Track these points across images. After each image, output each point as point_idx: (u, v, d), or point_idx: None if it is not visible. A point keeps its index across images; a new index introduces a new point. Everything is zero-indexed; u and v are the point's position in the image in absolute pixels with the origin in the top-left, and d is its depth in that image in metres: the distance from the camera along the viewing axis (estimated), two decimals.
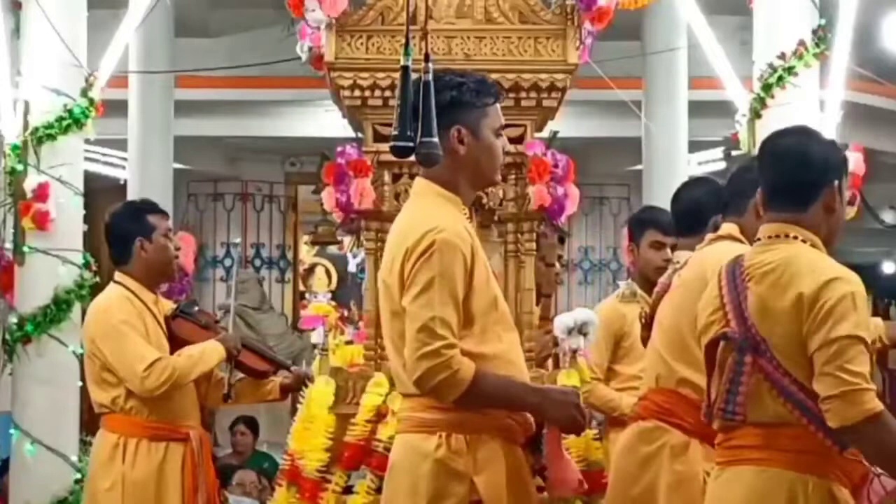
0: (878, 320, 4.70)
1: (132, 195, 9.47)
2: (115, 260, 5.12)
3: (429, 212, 3.44)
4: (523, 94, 4.60)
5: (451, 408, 3.37)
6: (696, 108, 9.53)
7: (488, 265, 3.49)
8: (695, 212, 4.37)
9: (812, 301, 3.11)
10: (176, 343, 5.05)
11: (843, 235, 3.41)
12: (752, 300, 3.22)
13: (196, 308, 5.31)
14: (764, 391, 3.19)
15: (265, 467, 8.34)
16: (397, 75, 3.16)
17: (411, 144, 3.08)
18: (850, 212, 6.05)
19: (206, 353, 4.98)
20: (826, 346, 3.07)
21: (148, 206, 5.22)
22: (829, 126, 6.53)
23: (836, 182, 3.29)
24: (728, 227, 4.01)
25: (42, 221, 6.46)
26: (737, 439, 3.26)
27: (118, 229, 5.11)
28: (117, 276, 5.07)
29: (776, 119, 6.22)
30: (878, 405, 3.05)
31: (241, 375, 5.22)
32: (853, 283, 3.14)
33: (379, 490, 4.15)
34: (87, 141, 6.79)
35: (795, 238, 3.26)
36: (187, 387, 4.99)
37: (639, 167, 9.94)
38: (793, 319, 3.13)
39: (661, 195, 7.65)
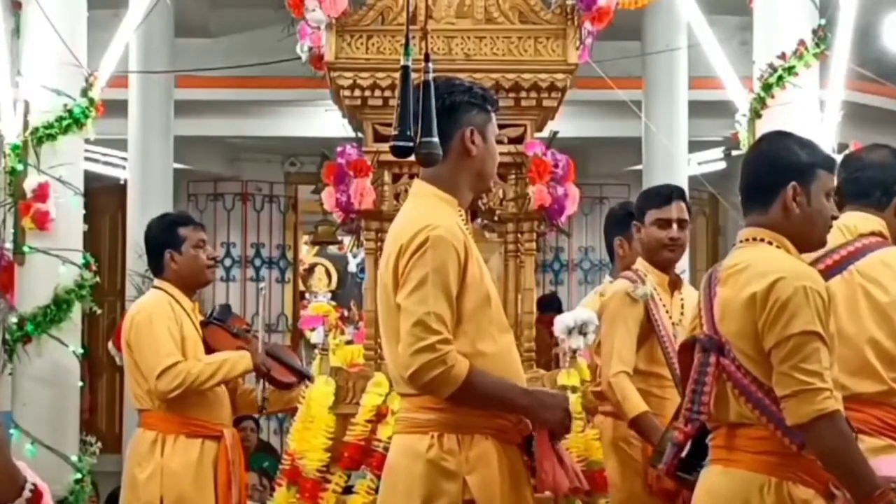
0: None
1: (132, 195, 9.54)
2: (152, 269, 5.44)
3: (423, 211, 3.46)
4: (523, 94, 4.60)
5: (444, 408, 3.38)
6: (696, 108, 9.51)
7: (483, 264, 3.50)
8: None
9: (763, 299, 3.16)
10: (207, 350, 5.27)
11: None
12: (717, 302, 3.29)
13: (229, 316, 5.59)
14: (728, 391, 3.25)
15: (265, 466, 8.32)
16: (397, 75, 3.17)
17: (411, 144, 3.10)
18: None
19: (231, 362, 5.17)
20: (782, 343, 3.12)
21: (180, 219, 5.53)
22: (829, 126, 6.52)
23: (794, 183, 3.30)
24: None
25: (42, 221, 6.45)
26: (714, 440, 3.33)
27: (151, 241, 5.43)
28: (156, 282, 5.37)
29: (776, 119, 6.21)
30: (831, 405, 3.08)
31: (269, 387, 5.42)
32: (803, 277, 3.18)
33: (378, 490, 4.16)
34: (87, 141, 6.78)
35: (762, 241, 3.31)
36: (220, 388, 5.22)
37: (639, 167, 9.92)
38: (747, 318, 3.19)
39: None
